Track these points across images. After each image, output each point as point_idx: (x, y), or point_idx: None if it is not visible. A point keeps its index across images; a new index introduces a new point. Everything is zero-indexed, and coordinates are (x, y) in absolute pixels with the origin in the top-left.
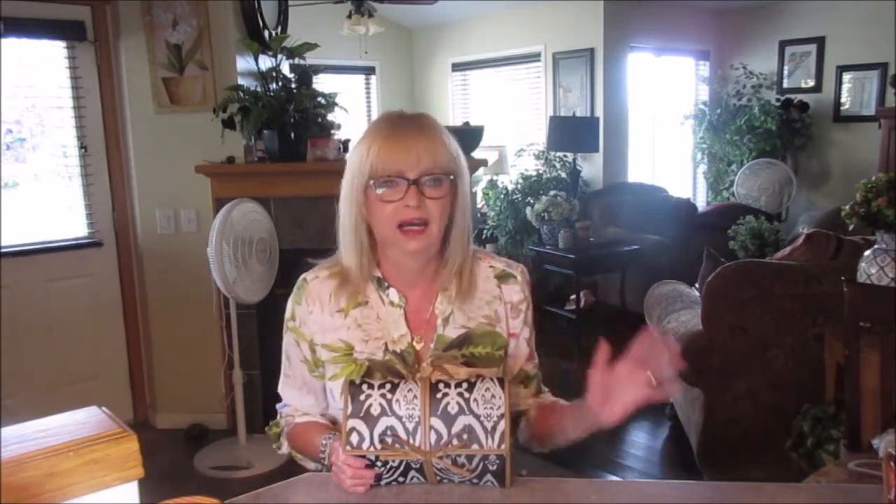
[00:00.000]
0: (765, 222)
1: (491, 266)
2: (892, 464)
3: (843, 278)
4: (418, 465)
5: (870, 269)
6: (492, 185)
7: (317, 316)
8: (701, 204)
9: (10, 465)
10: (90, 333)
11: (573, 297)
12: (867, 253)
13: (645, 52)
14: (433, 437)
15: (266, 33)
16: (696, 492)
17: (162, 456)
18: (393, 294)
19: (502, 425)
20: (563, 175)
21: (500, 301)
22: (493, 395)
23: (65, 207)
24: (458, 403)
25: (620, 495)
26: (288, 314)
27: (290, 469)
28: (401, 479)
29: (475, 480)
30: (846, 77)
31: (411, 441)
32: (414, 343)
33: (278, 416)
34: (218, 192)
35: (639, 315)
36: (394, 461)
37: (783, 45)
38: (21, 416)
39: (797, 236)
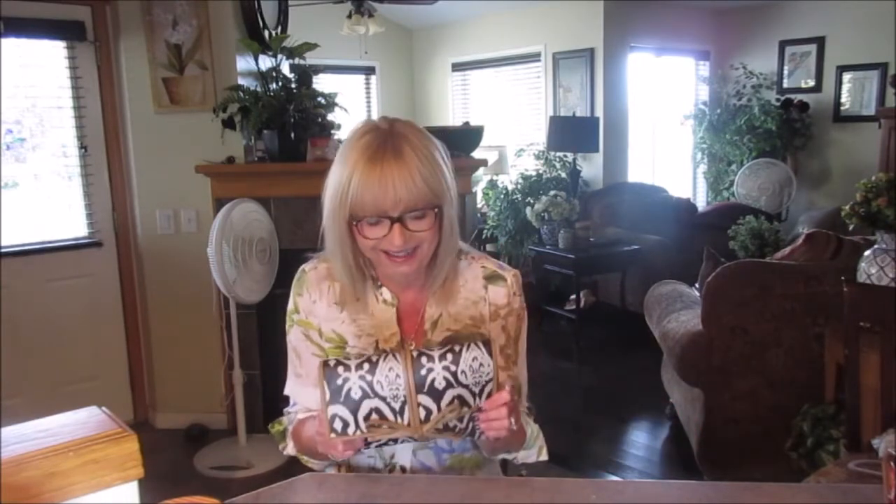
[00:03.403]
0: (765, 222)
1: (483, 266)
2: (892, 464)
3: (843, 278)
4: (409, 433)
5: (870, 269)
6: (492, 185)
7: (319, 305)
8: (701, 204)
9: (10, 465)
10: (90, 333)
11: (573, 297)
12: (867, 253)
13: (645, 52)
14: (422, 413)
15: (266, 33)
16: (696, 492)
17: (162, 456)
18: (386, 293)
19: (489, 387)
20: (563, 175)
21: (485, 302)
22: (480, 364)
23: (65, 207)
24: (444, 378)
25: (620, 495)
26: (291, 308)
27: (290, 469)
28: (391, 442)
29: (469, 440)
30: (846, 77)
31: (399, 420)
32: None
33: (284, 415)
34: (218, 192)
35: (639, 315)
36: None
37: (783, 45)
38: (21, 416)
39: (797, 236)
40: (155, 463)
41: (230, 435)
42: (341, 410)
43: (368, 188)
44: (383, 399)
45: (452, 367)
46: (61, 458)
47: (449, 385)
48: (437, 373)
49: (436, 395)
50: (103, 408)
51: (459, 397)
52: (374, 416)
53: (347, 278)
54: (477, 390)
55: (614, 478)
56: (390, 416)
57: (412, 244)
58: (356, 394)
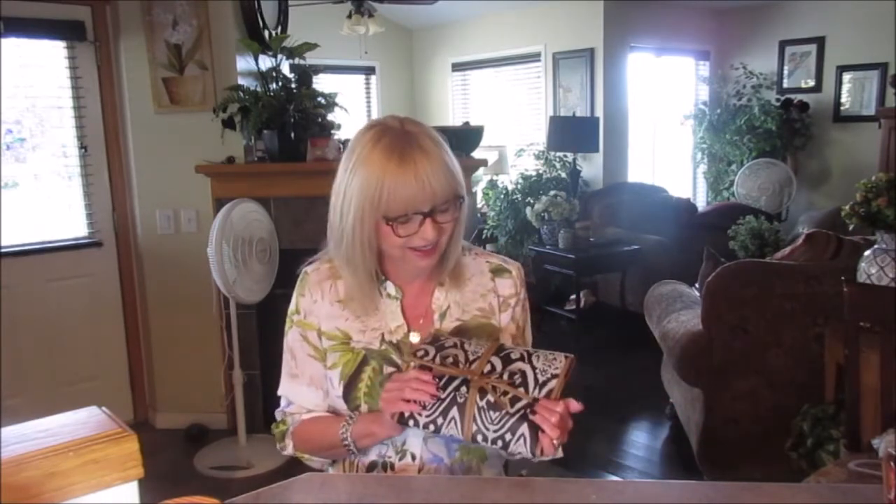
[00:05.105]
0: (765, 222)
1: (487, 261)
2: (892, 464)
3: (843, 278)
4: (463, 399)
5: (870, 269)
6: (492, 185)
7: (320, 304)
8: (701, 204)
9: (10, 465)
10: (90, 333)
11: (573, 297)
12: (867, 253)
13: (645, 52)
14: (488, 367)
15: (266, 33)
16: (696, 492)
17: (162, 456)
18: (390, 287)
19: (552, 384)
20: (563, 175)
21: (494, 294)
22: (554, 359)
23: (65, 207)
24: (521, 353)
25: (620, 495)
26: (292, 308)
27: (290, 469)
28: (440, 419)
29: (508, 436)
30: (846, 77)
31: (469, 367)
32: (410, 336)
33: (283, 416)
34: (218, 192)
35: (639, 315)
36: (441, 393)
37: (783, 45)
38: (21, 416)
39: (797, 236)
40: (155, 463)
41: (230, 435)
42: (429, 348)
43: (405, 187)
44: (465, 351)
45: (531, 350)
46: (61, 458)
47: (522, 358)
48: (516, 349)
49: (507, 361)
50: (103, 408)
51: (523, 373)
52: (451, 358)
53: (367, 282)
54: (542, 379)
55: (614, 478)
56: (463, 362)
57: (440, 237)
58: (448, 343)
